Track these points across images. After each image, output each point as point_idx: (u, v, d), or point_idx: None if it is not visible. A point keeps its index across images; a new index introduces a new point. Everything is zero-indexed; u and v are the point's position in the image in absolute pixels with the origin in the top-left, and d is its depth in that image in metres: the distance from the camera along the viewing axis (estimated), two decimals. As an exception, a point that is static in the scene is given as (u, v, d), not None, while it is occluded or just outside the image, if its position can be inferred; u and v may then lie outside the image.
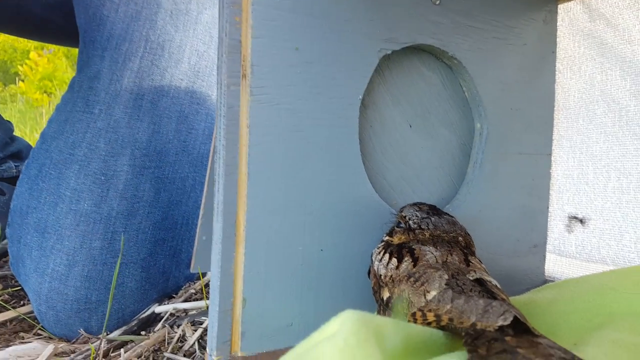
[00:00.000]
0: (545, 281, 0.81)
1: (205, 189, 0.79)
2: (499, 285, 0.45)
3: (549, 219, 0.81)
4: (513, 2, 0.73)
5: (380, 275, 0.50)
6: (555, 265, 0.81)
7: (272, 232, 0.52)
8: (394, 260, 0.49)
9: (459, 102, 0.72)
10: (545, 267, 0.81)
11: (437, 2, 0.64)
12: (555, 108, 0.81)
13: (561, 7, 0.82)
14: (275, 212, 0.52)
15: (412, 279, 0.45)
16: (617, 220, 0.73)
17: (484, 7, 0.69)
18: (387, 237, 0.56)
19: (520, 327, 0.35)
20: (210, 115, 0.94)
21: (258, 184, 0.51)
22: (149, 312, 0.75)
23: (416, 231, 0.52)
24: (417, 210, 0.55)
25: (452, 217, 0.55)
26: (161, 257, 0.81)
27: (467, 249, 0.51)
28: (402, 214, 0.56)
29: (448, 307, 0.39)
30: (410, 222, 0.54)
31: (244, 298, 0.50)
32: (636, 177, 0.71)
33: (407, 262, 0.48)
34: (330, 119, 0.56)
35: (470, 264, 0.48)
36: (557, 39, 0.81)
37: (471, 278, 0.44)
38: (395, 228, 0.56)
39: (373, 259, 0.54)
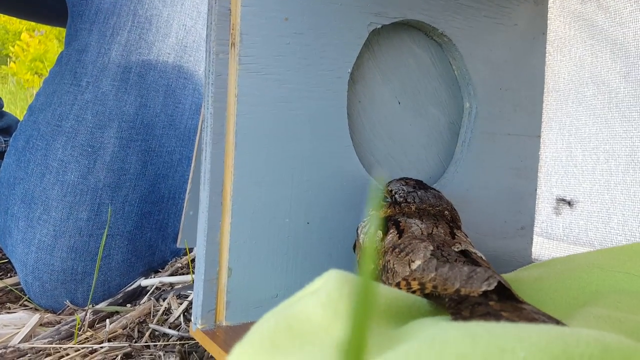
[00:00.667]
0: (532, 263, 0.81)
1: (193, 164, 0.79)
2: (484, 257, 0.45)
3: (536, 201, 0.82)
4: (506, -19, 0.73)
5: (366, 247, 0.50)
6: (542, 247, 0.82)
7: (258, 203, 0.52)
8: (379, 232, 0.50)
9: (448, 80, 0.72)
10: (533, 250, 0.82)
11: (429, -22, 0.64)
12: (544, 90, 0.81)
13: (554, -11, 0.82)
14: (261, 184, 0.52)
15: (397, 250, 0.45)
16: (605, 203, 0.74)
17: (476, -16, 0.69)
18: (372, 211, 0.56)
19: (504, 294, 0.35)
20: (197, 91, 0.93)
21: (245, 154, 0.51)
22: (135, 285, 0.75)
23: (402, 204, 0.52)
24: (403, 185, 0.55)
25: (438, 191, 0.55)
26: (147, 231, 0.81)
27: (452, 222, 0.52)
28: (389, 187, 0.56)
29: (432, 275, 0.39)
30: (396, 195, 0.54)
31: (230, 268, 0.50)
32: (624, 160, 0.72)
33: (392, 234, 0.48)
34: (319, 92, 0.55)
35: (456, 236, 0.48)
36: (548, 21, 0.81)
37: (456, 250, 0.45)
38: (382, 202, 0.56)
39: (359, 232, 0.54)
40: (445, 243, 0.46)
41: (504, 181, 0.77)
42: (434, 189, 0.56)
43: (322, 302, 0.25)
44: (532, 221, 0.82)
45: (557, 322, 0.32)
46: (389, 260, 0.45)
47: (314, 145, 0.56)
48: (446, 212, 0.52)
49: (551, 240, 0.81)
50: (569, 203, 0.78)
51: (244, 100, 0.50)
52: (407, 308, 0.36)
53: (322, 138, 0.56)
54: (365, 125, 0.63)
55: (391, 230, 0.49)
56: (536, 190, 0.82)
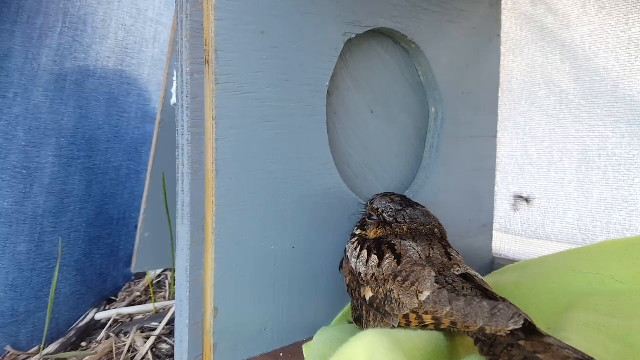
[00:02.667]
0: (493, 259, 0.84)
1: (148, 180, 0.72)
2: (483, 279, 0.44)
3: (495, 199, 0.84)
4: (463, -17, 0.72)
5: (360, 273, 0.48)
6: (502, 242, 0.84)
7: (242, 233, 0.48)
8: (374, 257, 0.47)
9: (415, 86, 0.71)
10: (493, 245, 0.85)
11: (397, -17, 0.62)
12: (499, 91, 0.83)
13: (505, -10, 0.83)
14: (245, 210, 0.48)
15: (399, 278, 0.43)
16: (560, 199, 0.77)
17: (438, -12, 0.68)
18: (359, 231, 0.54)
19: (527, 328, 0.34)
20: (142, 97, 0.85)
21: (226, 180, 0.46)
22: (87, 320, 0.68)
23: (393, 225, 0.51)
24: (389, 202, 0.54)
25: (424, 207, 0.54)
26: (97, 257, 0.73)
27: (443, 240, 0.51)
28: (374, 206, 0.54)
29: (447, 309, 0.38)
30: (385, 215, 0.52)
31: (215, 307, 0.46)
32: (578, 158, 0.75)
33: (389, 260, 0.46)
34: (299, 108, 0.52)
35: (452, 257, 0.47)
36: (501, 23, 0.82)
37: (457, 273, 0.44)
38: (367, 220, 0.54)
39: (348, 255, 0.52)
40: (444, 266, 0.45)
41: (467, 182, 0.78)
42: (420, 205, 0.54)
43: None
44: (492, 218, 0.84)
45: (584, 357, 0.32)
46: (392, 290, 0.43)
47: (295, 164, 0.52)
48: (436, 229, 0.51)
49: (510, 235, 0.84)
50: (527, 200, 0.81)
51: (223, 123, 0.46)
52: (434, 351, 0.34)
53: (303, 156, 0.53)
54: (340, 136, 0.60)
55: (387, 255, 0.47)
56: (494, 188, 0.84)
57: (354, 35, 0.57)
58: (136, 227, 0.81)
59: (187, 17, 0.43)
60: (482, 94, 0.79)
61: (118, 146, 0.78)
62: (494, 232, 0.85)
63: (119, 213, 0.77)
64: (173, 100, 0.65)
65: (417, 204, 0.54)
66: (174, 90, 0.64)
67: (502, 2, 0.83)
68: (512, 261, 0.82)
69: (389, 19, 0.62)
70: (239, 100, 0.47)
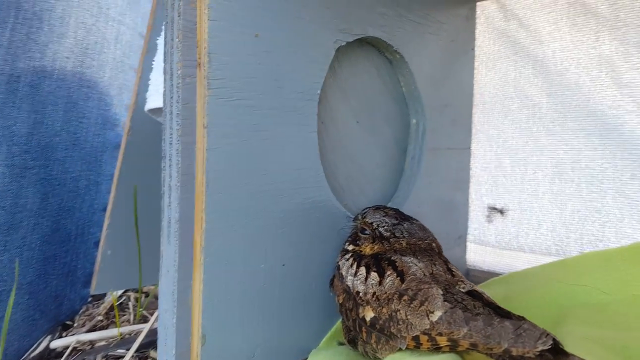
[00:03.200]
0: (468, 270, 0.83)
1: (113, 192, 0.67)
2: (490, 296, 0.43)
3: (469, 211, 0.84)
4: (441, -4, 0.72)
5: (358, 292, 0.45)
6: (476, 254, 0.84)
7: (232, 251, 0.44)
8: (374, 274, 0.45)
9: (397, 97, 0.69)
10: (467, 257, 0.84)
11: (384, -9, 0.61)
12: (473, 103, 0.83)
13: (479, 5, 0.84)
14: (235, 228, 0.44)
15: (405, 297, 0.41)
16: (534, 210, 0.77)
17: (420, -1, 0.67)
18: (351, 247, 0.51)
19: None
20: (103, 101, 0.79)
21: (217, 194, 0.43)
22: (40, 349, 0.61)
23: (391, 240, 0.48)
24: (384, 216, 0.51)
25: (418, 221, 0.52)
26: (53, 278, 0.66)
27: (441, 255, 0.49)
28: (367, 220, 0.52)
29: (465, 330, 0.36)
30: (381, 229, 0.50)
31: (203, 334, 0.42)
32: (551, 170, 0.76)
33: (391, 277, 0.44)
34: (291, 117, 0.49)
35: (454, 273, 0.45)
36: (475, 36, 0.83)
37: (463, 290, 0.42)
38: (360, 235, 0.51)
39: (343, 272, 0.49)
40: (449, 283, 0.43)
41: (445, 194, 0.78)
42: (414, 219, 0.53)
43: None
44: (466, 229, 0.84)
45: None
46: (398, 310, 0.41)
47: (286, 176, 0.49)
48: (433, 244, 0.50)
49: (484, 246, 0.84)
50: (501, 211, 0.82)
51: (215, 132, 0.42)
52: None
53: (294, 167, 0.50)
54: (327, 147, 0.58)
55: (388, 272, 0.44)
56: (468, 200, 0.85)
57: (344, 43, 0.55)
58: (95, 243, 0.75)
59: (179, 16, 0.40)
60: (458, 107, 0.79)
61: (77, 154, 0.71)
62: (468, 244, 0.85)
63: (77, 228, 0.70)
64: (148, 106, 0.60)
65: (412, 218, 0.52)
66: (148, 95, 0.60)
67: (476, 16, 0.84)
68: (486, 272, 0.83)
69: (377, 28, 0.60)
70: (232, 108, 0.43)
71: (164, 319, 0.42)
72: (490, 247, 0.83)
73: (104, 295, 0.72)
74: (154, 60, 0.61)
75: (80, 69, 0.75)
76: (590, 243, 0.72)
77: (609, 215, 0.71)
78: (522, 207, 0.79)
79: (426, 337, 0.38)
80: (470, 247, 0.85)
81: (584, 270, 0.59)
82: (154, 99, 0.58)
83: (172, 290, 0.41)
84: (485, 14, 0.84)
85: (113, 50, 0.83)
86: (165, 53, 0.41)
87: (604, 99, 0.71)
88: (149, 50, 0.64)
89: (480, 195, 0.84)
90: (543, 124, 0.77)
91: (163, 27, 0.63)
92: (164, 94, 0.41)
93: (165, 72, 0.41)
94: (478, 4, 0.83)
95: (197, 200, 0.42)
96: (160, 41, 0.61)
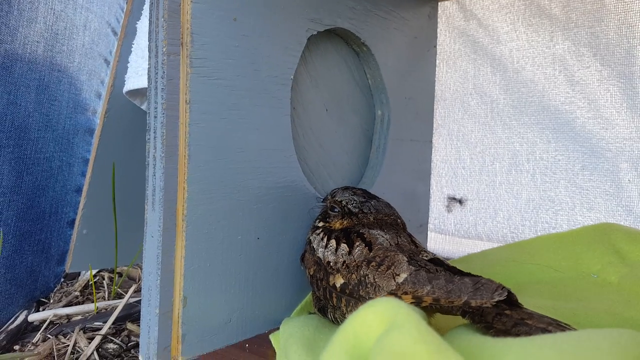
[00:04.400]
0: (429, 257, 0.88)
1: (90, 173, 0.68)
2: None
3: (430, 201, 0.89)
4: (406, -6, 0.77)
5: (329, 262, 0.49)
6: (435, 242, 0.89)
7: (212, 221, 0.47)
8: (344, 245, 0.49)
9: (363, 89, 0.73)
10: (428, 245, 0.89)
11: (354, -13, 0.65)
12: (434, 99, 0.88)
13: (440, 5, 0.89)
14: (215, 199, 0.47)
15: (373, 263, 0.45)
16: (491, 201, 0.83)
17: (387, -4, 0.72)
18: (321, 223, 0.55)
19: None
20: (74, 86, 0.80)
21: (198, 167, 0.45)
22: (19, 321, 0.62)
23: (359, 215, 0.52)
24: (352, 195, 0.55)
25: (384, 200, 0.56)
26: (28, 254, 0.67)
27: (405, 230, 0.53)
28: (336, 198, 0.55)
29: (428, 288, 0.40)
30: (350, 206, 0.53)
31: (184, 296, 0.45)
32: (508, 162, 0.81)
33: (360, 247, 0.47)
34: (266, 99, 0.52)
35: (417, 245, 0.49)
36: (437, 35, 0.88)
37: (426, 258, 0.46)
38: (330, 212, 0.55)
39: (314, 245, 0.52)
40: (413, 252, 0.47)
41: (407, 183, 0.82)
42: (380, 198, 0.56)
43: (417, 338, 0.23)
44: (427, 218, 0.89)
45: (557, 322, 0.35)
46: (367, 275, 0.45)
47: (262, 154, 0.52)
48: (399, 220, 0.54)
49: (444, 235, 0.89)
50: (460, 201, 0.87)
51: (196, 108, 0.45)
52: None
53: (269, 147, 0.53)
54: (299, 132, 0.61)
55: (357, 243, 0.48)
56: (429, 190, 0.89)
57: (315, 32, 0.59)
58: (69, 223, 0.76)
59: (164, -4, 0.42)
60: (420, 101, 0.83)
61: (50, 135, 0.72)
62: (429, 232, 0.90)
63: (50, 207, 0.71)
64: (127, 87, 0.61)
65: (378, 197, 0.56)
66: (127, 77, 0.61)
67: (438, 15, 0.89)
68: (445, 259, 0.87)
69: (346, 20, 0.64)
70: (212, 86, 0.46)
71: (149, 281, 0.44)
72: (450, 236, 0.88)
73: (78, 274, 0.73)
74: (133, 44, 0.63)
75: (50, 54, 0.76)
76: (544, 230, 0.78)
77: (561, 203, 0.77)
78: (480, 197, 0.85)
79: (392, 297, 0.42)
80: (431, 235, 0.90)
81: (538, 251, 0.64)
82: (133, 81, 0.60)
83: (157, 253, 0.43)
84: (447, 14, 0.89)
85: (82, 37, 0.84)
86: (150, 32, 0.43)
87: (557, 96, 0.77)
88: (127, 35, 0.65)
89: (440, 186, 0.89)
90: (500, 119, 0.83)
91: (144, 12, 0.65)
92: (149, 71, 0.44)
93: (150, 50, 0.44)
94: (440, 3, 0.88)
95: (179, 172, 0.44)
96: (140, 24, 0.63)
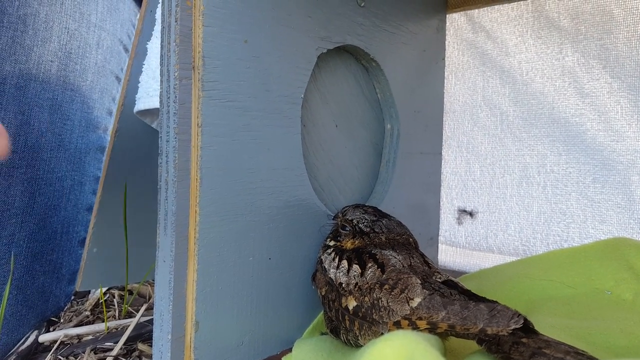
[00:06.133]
0: (440, 270, 0.87)
1: (100, 192, 0.68)
2: (465, 286, 0.47)
3: (440, 213, 0.89)
4: (414, 8, 0.77)
5: (341, 283, 0.48)
6: (446, 255, 0.89)
7: (224, 243, 0.47)
8: (356, 266, 0.48)
9: (372, 103, 0.73)
10: (439, 257, 0.89)
11: (362, 4, 0.65)
12: (443, 111, 0.88)
13: (449, 18, 0.89)
14: (227, 221, 0.47)
15: (387, 286, 0.44)
16: (502, 213, 0.82)
17: (395, 11, 0.71)
18: (333, 242, 0.55)
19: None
20: (86, 104, 0.81)
21: (209, 189, 0.45)
22: (29, 343, 0.62)
23: (370, 235, 0.52)
24: (363, 213, 0.55)
25: (395, 218, 0.56)
26: (40, 274, 0.67)
27: (417, 249, 0.53)
28: (347, 217, 0.55)
29: (443, 314, 0.39)
30: (361, 225, 0.53)
31: (197, 321, 0.45)
32: (518, 175, 0.81)
33: (372, 269, 0.47)
34: (278, 119, 0.52)
35: (430, 265, 0.49)
36: (446, 47, 0.88)
37: (439, 280, 0.46)
38: (341, 231, 0.55)
39: (326, 266, 0.52)
40: (427, 274, 0.46)
41: (418, 196, 0.82)
42: (391, 216, 0.56)
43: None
44: (438, 231, 0.89)
45: (576, 350, 0.34)
46: (380, 298, 0.44)
47: (273, 174, 0.52)
48: (411, 239, 0.53)
49: (455, 247, 0.89)
50: (470, 213, 0.86)
51: (208, 131, 0.45)
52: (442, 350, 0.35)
53: (281, 167, 0.53)
54: (309, 149, 0.61)
55: (369, 264, 0.48)
56: (439, 202, 0.89)
57: (325, 50, 0.59)
58: (80, 242, 0.76)
59: (176, 22, 0.42)
60: (429, 113, 0.83)
61: (62, 155, 0.72)
62: (439, 245, 0.90)
63: (62, 227, 0.71)
64: (137, 107, 0.62)
65: (390, 215, 0.56)
66: (138, 97, 0.62)
67: (446, 28, 0.89)
68: (456, 272, 0.87)
69: (355, 36, 0.64)
70: (223, 109, 0.46)
71: (160, 306, 0.44)
72: (461, 248, 0.88)
73: (88, 292, 0.73)
74: (144, 64, 0.63)
75: (64, 73, 0.76)
76: (556, 243, 0.77)
77: (573, 216, 0.76)
78: (491, 210, 0.84)
79: (407, 322, 0.42)
80: (442, 248, 0.89)
81: (550, 267, 0.63)
82: (144, 101, 0.60)
83: (169, 279, 0.43)
84: (455, 26, 0.89)
85: (95, 55, 0.84)
86: (162, 56, 0.44)
87: (567, 108, 0.77)
88: (137, 54, 0.66)
89: (450, 198, 0.89)
90: (510, 131, 0.83)
91: (155, 32, 0.66)
92: (161, 94, 0.44)
93: (162, 74, 0.44)
94: (448, 16, 0.88)
95: (191, 195, 0.44)
96: (150, 45, 0.63)
